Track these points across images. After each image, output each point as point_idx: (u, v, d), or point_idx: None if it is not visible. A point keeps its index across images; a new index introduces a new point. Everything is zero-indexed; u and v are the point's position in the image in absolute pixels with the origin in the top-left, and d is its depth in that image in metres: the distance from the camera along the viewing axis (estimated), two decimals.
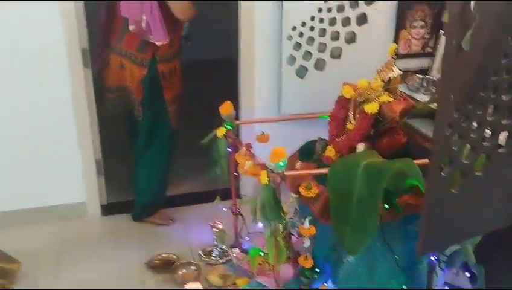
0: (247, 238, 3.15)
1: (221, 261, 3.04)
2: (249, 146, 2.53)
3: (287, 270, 2.64)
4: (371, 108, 2.44)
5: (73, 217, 3.47)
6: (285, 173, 2.19)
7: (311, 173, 2.29)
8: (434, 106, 2.72)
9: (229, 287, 2.75)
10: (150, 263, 3.03)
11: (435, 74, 3.57)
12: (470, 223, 2.08)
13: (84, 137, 3.37)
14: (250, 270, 2.71)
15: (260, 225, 3.11)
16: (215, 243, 3.11)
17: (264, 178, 2.17)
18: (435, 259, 2.54)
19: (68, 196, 3.46)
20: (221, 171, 2.86)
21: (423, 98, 3.37)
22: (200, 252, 3.12)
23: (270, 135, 2.88)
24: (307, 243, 2.35)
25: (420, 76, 3.37)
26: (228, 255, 3.07)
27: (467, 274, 2.53)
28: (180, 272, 2.92)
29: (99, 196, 3.56)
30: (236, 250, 3.01)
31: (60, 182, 3.41)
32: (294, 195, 2.74)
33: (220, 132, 2.77)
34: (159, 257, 3.08)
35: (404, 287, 2.58)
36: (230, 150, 2.82)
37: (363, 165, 2.14)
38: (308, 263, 2.41)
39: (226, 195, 3.06)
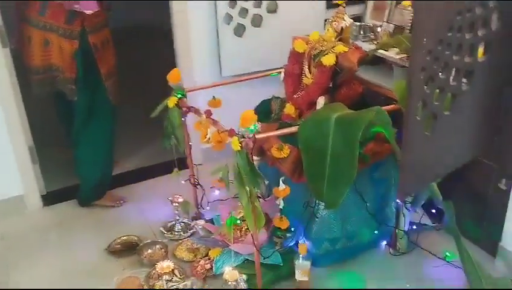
0: (208, 208, 3.06)
1: (185, 235, 2.94)
2: (209, 113, 2.40)
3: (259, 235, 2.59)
4: (328, 60, 2.40)
5: (12, 212, 3.17)
6: (256, 136, 2.10)
7: (282, 133, 2.23)
8: (379, 53, 2.73)
9: (200, 260, 2.67)
10: (110, 248, 2.85)
11: (369, 20, 3.58)
12: (443, 161, 2.14)
13: (13, 123, 3.05)
14: (222, 240, 2.64)
15: (216, 192, 3.06)
16: (177, 217, 2.99)
17: (236, 144, 2.08)
18: (401, 201, 2.61)
19: (3, 190, 3.16)
20: (177, 142, 2.71)
21: (363, 45, 3.39)
22: (161, 229, 2.99)
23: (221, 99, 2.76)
24: (282, 204, 2.31)
25: (357, 23, 3.37)
26: (192, 228, 2.97)
27: (433, 211, 2.64)
28: (146, 253, 2.79)
29: (37, 185, 3.28)
30: (201, 221, 2.92)
31: None
32: (256, 157, 2.69)
33: (171, 101, 2.62)
34: (119, 240, 2.91)
35: (376, 232, 2.65)
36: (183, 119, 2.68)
37: (334, 119, 2.12)
38: (284, 224, 2.38)
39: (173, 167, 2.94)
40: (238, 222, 2.54)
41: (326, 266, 2.63)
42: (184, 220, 3.01)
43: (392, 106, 2.36)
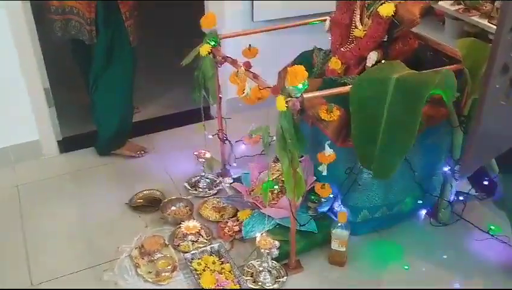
0: (234, 164, 2.86)
1: (211, 192, 2.75)
2: (248, 65, 2.15)
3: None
4: (387, 10, 2.11)
5: (27, 158, 3.00)
6: (304, 96, 1.86)
7: (334, 92, 1.99)
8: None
9: (228, 221, 2.50)
10: (132, 203, 2.69)
11: None
12: (509, 133, 1.91)
13: (28, 64, 2.83)
14: (253, 202, 2.46)
15: (243, 147, 2.85)
16: (202, 173, 2.79)
17: (281, 104, 1.84)
18: (449, 169, 2.40)
19: (18, 135, 2.97)
20: (207, 94, 2.48)
21: None
22: (186, 184, 2.80)
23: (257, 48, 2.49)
24: (324, 170, 2.10)
25: None
26: (217, 185, 2.79)
27: (485, 183, 2.43)
28: (170, 211, 2.62)
29: (53, 131, 3.08)
30: (229, 179, 2.73)
31: (6, 120, 2.90)
32: None
33: (204, 49, 2.36)
34: (141, 195, 2.74)
35: (420, 202, 2.46)
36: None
37: (394, 80, 1.87)
38: (326, 192, 2.18)
39: (196, 117, 2.70)
40: (276, 187, 2.34)
41: (362, 234, 2.46)
42: (209, 176, 2.82)
43: (454, 65, 2.10)
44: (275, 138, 1.97)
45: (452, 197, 2.49)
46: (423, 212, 2.58)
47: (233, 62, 2.24)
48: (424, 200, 2.48)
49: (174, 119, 3.39)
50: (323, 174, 2.11)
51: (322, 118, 1.97)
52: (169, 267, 2.26)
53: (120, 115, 3.00)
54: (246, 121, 2.76)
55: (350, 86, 1.95)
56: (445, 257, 2.39)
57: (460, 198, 2.51)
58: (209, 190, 2.77)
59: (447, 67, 2.05)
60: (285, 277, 2.24)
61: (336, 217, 2.32)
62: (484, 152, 1.83)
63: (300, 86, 1.83)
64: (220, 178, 2.82)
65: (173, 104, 3.55)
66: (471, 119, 2.11)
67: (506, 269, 2.30)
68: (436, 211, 2.55)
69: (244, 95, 2.12)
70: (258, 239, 2.18)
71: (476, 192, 2.62)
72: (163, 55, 3.63)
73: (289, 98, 1.85)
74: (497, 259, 2.36)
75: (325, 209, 2.46)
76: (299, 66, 1.82)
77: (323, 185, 2.18)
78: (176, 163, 3.00)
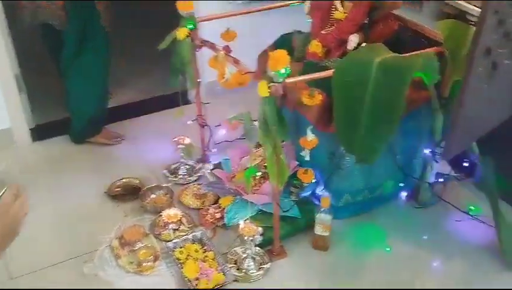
0: (214, 150, 2.82)
1: (191, 179, 2.71)
2: (227, 49, 2.10)
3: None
4: None
5: None
6: (287, 81, 1.83)
7: (316, 77, 1.95)
8: None
9: (209, 208, 2.47)
10: (110, 191, 2.63)
11: None
12: (493, 115, 1.92)
13: None
14: (235, 188, 2.43)
15: (222, 132, 2.81)
16: (182, 160, 2.75)
17: (264, 90, 1.80)
18: (430, 152, 2.41)
19: None
20: (186, 79, 2.42)
21: None
22: (165, 171, 2.75)
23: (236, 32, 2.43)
24: (307, 155, 2.07)
25: None
26: (197, 172, 2.74)
27: (464, 164, 2.44)
28: (149, 199, 2.57)
29: (25, 117, 2.98)
30: (209, 165, 2.69)
31: None
32: None
33: (181, 33, 2.29)
34: (119, 183, 2.68)
35: (401, 185, 2.47)
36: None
37: (376, 63, 1.85)
38: (308, 178, 2.16)
39: (173, 102, 2.66)
40: (259, 173, 2.31)
41: (344, 218, 2.45)
42: (189, 162, 2.77)
43: (435, 48, 2.08)
44: (256, 123, 1.93)
45: (432, 179, 2.51)
46: (404, 194, 2.59)
47: (212, 46, 2.18)
48: (405, 183, 2.49)
49: (150, 104, 3.32)
50: (306, 159, 2.08)
51: (304, 103, 1.94)
52: (151, 257, 2.22)
53: (94, 102, 2.92)
54: (225, 105, 2.72)
55: (332, 70, 1.92)
56: (425, 237, 2.41)
57: (441, 180, 2.52)
58: (189, 177, 2.72)
59: (429, 49, 2.03)
60: (269, 263, 2.22)
61: (318, 201, 2.31)
62: (467, 134, 1.84)
63: (282, 71, 1.79)
64: (200, 164, 2.77)
65: (148, 90, 3.47)
66: (452, 101, 2.11)
67: (485, 249, 2.33)
68: (416, 193, 2.57)
69: (224, 80, 2.07)
70: (241, 226, 2.15)
71: (455, 173, 2.64)
72: (138, 39, 3.50)
73: (271, 84, 1.81)
74: (477, 239, 2.39)
75: (307, 194, 2.45)
76: (281, 50, 1.78)
77: (306, 170, 2.16)
78: (153, 150, 2.94)
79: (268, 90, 1.80)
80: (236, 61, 2.03)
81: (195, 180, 2.71)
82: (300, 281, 2.20)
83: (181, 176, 2.72)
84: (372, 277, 2.22)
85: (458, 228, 2.46)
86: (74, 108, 2.92)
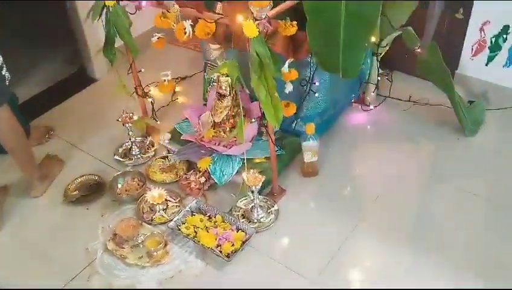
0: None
1: (148, 155, 2.51)
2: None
3: (249, 129, 2.33)
4: None
5: None
6: (269, 14, 1.74)
7: (288, 6, 1.88)
8: None
9: (189, 176, 2.33)
10: (68, 197, 2.32)
11: None
12: None
13: None
14: (209, 147, 2.31)
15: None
16: (130, 139, 2.51)
17: (252, 29, 1.70)
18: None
19: None
20: (129, 48, 2.16)
21: None
22: (116, 157, 2.51)
23: None
24: (290, 88, 2.03)
25: None
26: (152, 146, 2.55)
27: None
28: (119, 190, 2.33)
29: None
30: (167, 135, 2.49)
31: None
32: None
33: None
34: (73, 185, 2.38)
35: (358, 91, 2.58)
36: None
37: None
38: (291, 110, 2.13)
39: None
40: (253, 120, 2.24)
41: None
42: (137, 139, 2.56)
43: None
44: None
45: (375, 79, 2.65)
46: (352, 101, 2.71)
47: (158, 2, 1.97)
48: (354, 91, 2.60)
49: (57, 92, 2.92)
50: (286, 92, 2.03)
51: (284, 33, 1.87)
52: (161, 244, 2.05)
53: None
54: (151, 67, 2.55)
55: None
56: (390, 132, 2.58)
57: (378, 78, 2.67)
58: (145, 154, 2.52)
59: None
60: (275, 205, 2.21)
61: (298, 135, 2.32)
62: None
63: (268, 7, 1.70)
64: (150, 138, 2.57)
65: (46, 78, 3.02)
66: None
67: (438, 125, 2.58)
68: (363, 97, 2.71)
69: (186, 35, 1.90)
70: (245, 178, 2.08)
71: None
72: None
73: (257, 21, 1.72)
74: (429, 120, 2.62)
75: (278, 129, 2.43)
76: None
77: (288, 103, 2.12)
78: (89, 138, 2.64)
79: (258, 29, 1.71)
80: (199, 10, 1.87)
81: (153, 155, 2.52)
82: (312, 210, 2.24)
83: (137, 157, 2.50)
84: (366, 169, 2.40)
85: (409, 115, 2.67)
86: None
